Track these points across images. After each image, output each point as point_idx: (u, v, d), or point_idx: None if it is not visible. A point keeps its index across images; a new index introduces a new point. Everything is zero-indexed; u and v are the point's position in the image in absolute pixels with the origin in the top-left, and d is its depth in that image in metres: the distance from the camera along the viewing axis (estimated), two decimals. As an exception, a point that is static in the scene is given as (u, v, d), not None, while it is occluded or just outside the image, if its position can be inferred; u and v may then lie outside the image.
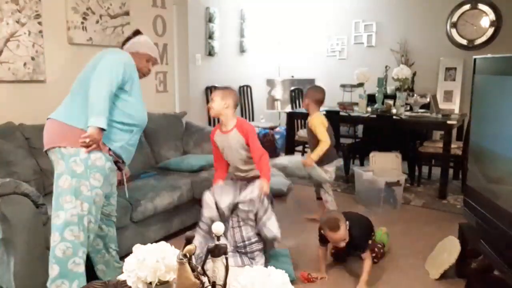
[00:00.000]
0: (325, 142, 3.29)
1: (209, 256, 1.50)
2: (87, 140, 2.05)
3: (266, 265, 2.40)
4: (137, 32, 2.52)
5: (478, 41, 5.41)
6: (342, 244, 2.48)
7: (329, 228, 2.45)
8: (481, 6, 5.34)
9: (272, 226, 2.56)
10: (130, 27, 3.73)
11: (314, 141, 3.38)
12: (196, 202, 3.32)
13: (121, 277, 1.55)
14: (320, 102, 3.44)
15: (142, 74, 2.44)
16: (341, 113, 4.72)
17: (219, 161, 2.79)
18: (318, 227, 2.61)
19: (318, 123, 3.35)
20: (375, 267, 2.75)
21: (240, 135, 2.61)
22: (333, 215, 2.53)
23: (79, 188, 2.09)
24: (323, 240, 2.61)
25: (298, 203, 4.04)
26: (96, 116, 2.04)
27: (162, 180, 3.14)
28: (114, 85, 2.14)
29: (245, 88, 6.39)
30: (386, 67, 5.44)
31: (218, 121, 2.75)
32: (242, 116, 6.20)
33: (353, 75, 4.98)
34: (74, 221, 2.09)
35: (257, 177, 2.62)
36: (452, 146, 4.25)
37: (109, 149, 2.20)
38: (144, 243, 1.53)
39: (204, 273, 1.50)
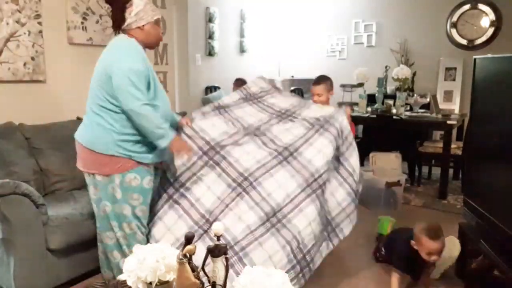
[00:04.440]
0: None
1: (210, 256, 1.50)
2: (182, 153, 2.19)
3: None
4: (119, 3, 2.09)
5: (478, 41, 5.41)
6: (435, 258, 2.21)
7: (429, 235, 2.18)
8: (481, 6, 5.34)
9: None
10: (130, 27, 3.73)
11: None
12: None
13: (121, 277, 1.55)
14: None
15: (158, 42, 2.23)
16: (341, 113, 4.71)
17: None
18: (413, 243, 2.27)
19: None
20: (375, 267, 2.75)
21: None
22: (433, 222, 2.28)
23: (121, 213, 2.14)
24: (408, 265, 2.33)
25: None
26: (161, 137, 2.07)
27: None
28: (144, 89, 2.02)
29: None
30: (386, 67, 5.43)
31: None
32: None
33: (353, 75, 4.98)
34: (124, 242, 2.18)
35: None
36: (452, 146, 4.25)
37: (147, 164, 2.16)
38: (145, 243, 1.53)
39: (204, 273, 1.50)
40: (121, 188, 2.10)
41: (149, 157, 2.15)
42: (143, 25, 2.10)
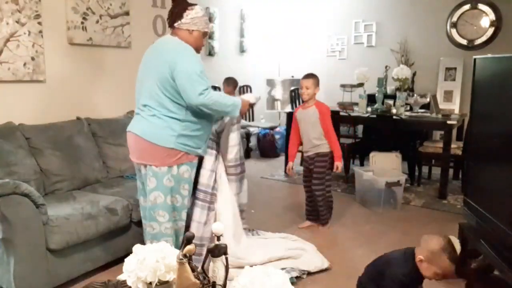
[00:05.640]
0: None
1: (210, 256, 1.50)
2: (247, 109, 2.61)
3: None
4: (184, 3, 2.33)
5: (478, 41, 5.41)
6: (438, 279, 1.94)
7: (453, 258, 1.89)
8: (481, 6, 5.34)
9: None
10: (130, 27, 3.73)
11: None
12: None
13: (121, 277, 1.55)
14: None
15: (198, 50, 2.35)
16: (341, 113, 4.72)
17: (294, 138, 3.43)
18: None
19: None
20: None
21: (316, 111, 3.25)
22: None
23: (172, 203, 2.29)
24: None
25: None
26: (232, 111, 2.37)
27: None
28: (206, 78, 2.19)
29: (245, 88, 6.38)
30: (386, 67, 5.43)
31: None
32: (241, 116, 6.19)
33: (353, 75, 4.98)
34: (168, 233, 2.30)
35: (325, 154, 3.29)
36: (452, 146, 4.25)
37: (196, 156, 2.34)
38: (145, 243, 1.53)
39: (204, 273, 1.50)
40: (175, 179, 2.25)
41: (199, 151, 2.34)
42: (193, 30, 2.28)
